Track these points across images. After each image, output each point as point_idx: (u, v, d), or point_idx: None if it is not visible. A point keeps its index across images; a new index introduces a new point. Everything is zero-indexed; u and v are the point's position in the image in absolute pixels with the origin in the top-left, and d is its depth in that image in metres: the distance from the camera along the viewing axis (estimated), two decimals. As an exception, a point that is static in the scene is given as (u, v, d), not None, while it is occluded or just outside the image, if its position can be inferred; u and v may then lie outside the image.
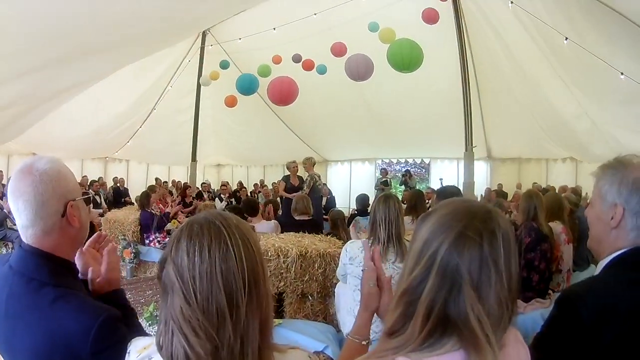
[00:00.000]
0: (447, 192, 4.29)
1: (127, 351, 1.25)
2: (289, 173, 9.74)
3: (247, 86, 9.56)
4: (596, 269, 1.71)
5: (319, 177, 9.74)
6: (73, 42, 6.63)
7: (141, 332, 1.61)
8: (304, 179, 9.44)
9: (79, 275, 1.74)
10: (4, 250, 7.79)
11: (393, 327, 1.16)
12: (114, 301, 1.72)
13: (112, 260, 1.79)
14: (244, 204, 6.63)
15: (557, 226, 4.72)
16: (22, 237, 1.58)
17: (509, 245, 1.11)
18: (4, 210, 8.19)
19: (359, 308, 1.62)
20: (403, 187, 16.06)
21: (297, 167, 9.55)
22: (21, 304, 1.49)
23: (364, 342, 1.56)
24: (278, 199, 9.83)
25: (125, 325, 1.59)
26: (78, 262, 1.72)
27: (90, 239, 1.87)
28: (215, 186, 17.56)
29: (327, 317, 4.91)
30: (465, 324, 1.04)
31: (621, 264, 1.60)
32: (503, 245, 1.09)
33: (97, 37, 6.85)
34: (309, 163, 9.64)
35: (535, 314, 4.14)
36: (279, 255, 4.82)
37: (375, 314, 1.60)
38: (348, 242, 3.81)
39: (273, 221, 6.38)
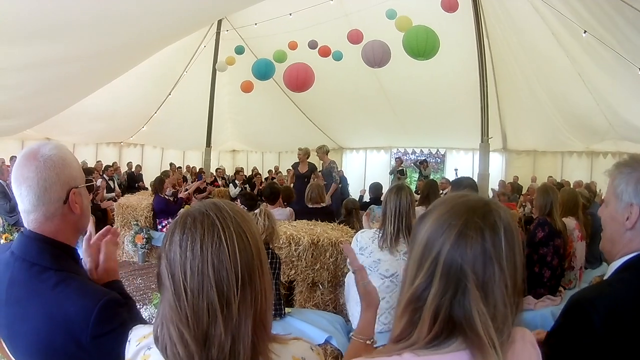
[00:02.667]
0: (463, 184, 4.25)
1: (128, 339, 1.25)
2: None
3: (263, 71, 9.52)
4: (608, 271, 1.66)
5: (335, 164, 9.59)
6: (96, 36, 6.65)
7: (140, 320, 1.61)
8: (315, 167, 9.34)
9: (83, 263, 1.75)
10: (17, 235, 7.85)
11: (400, 335, 1.14)
12: (115, 290, 1.73)
13: (108, 251, 1.81)
14: (266, 189, 6.52)
15: (570, 222, 4.65)
16: (23, 222, 1.59)
17: (512, 236, 1.09)
18: None
19: (361, 307, 1.59)
20: (417, 175, 15.98)
21: (307, 154, 9.35)
22: (23, 289, 1.50)
23: (368, 342, 1.55)
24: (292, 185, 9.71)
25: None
26: (85, 254, 1.76)
27: (99, 232, 1.88)
28: (229, 172, 17.59)
29: (337, 306, 4.91)
30: (470, 326, 1.03)
31: (634, 267, 1.55)
32: (505, 237, 1.07)
33: (117, 33, 6.86)
34: (322, 151, 9.51)
35: (545, 311, 4.10)
36: (290, 243, 4.83)
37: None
38: (359, 232, 3.77)
39: (288, 208, 6.33)
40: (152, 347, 1.13)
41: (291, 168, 9.98)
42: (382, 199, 3.61)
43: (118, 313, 1.48)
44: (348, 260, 3.72)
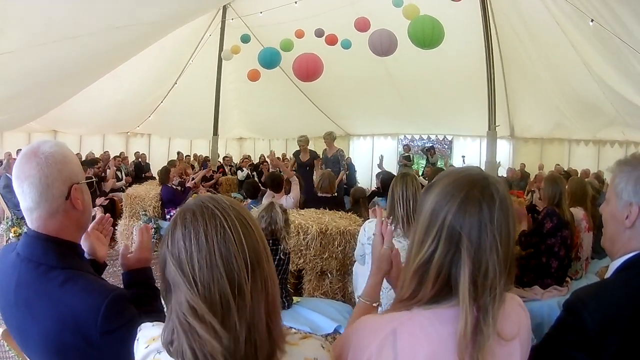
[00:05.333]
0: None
1: (137, 337, 1.25)
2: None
3: (268, 60, 9.46)
4: (609, 270, 1.67)
5: (343, 152, 9.51)
6: (97, 23, 6.64)
7: (161, 316, 1.60)
8: (317, 155, 9.28)
9: (85, 255, 1.78)
10: (24, 229, 7.88)
11: (411, 295, 1.27)
12: (140, 278, 1.79)
13: (142, 240, 1.85)
14: (268, 178, 6.50)
15: (578, 212, 4.64)
16: (27, 221, 1.62)
17: (506, 209, 1.20)
18: None
19: (371, 271, 1.63)
20: (424, 162, 15.93)
21: (308, 142, 9.29)
22: (30, 290, 1.51)
23: (374, 304, 1.59)
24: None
25: (146, 305, 1.65)
26: (84, 244, 1.77)
27: (94, 220, 1.92)
28: (237, 160, 17.59)
29: (346, 295, 4.93)
30: (456, 286, 1.18)
31: (632, 267, 1.56)
32: (501, 209, 1.19)
33: (120, 18, 6.84)
34: (330, 138, 9.39)
35: (552, 301, 4.09)
36: (299, 232, 4.84)
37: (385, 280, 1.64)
38: (366, 222, 3.79)
39: (293, 196, 6.32)
40: (161, 351, 1.12)
41: (293, 156, 9.95)
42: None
43: (126, 308, 1.50)
44: (356, 249, 3.75)
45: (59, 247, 1.56)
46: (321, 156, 9.41)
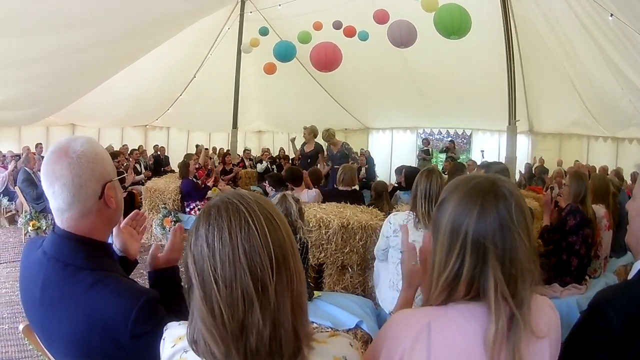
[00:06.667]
0: (492, 169, 4.24)
1: (163, 337, 1.25)
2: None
3: (283, 53, 9.47)
4: (632, 269, 1.62)
5: (349, 146, 8.89)
6: (117, 18, 6.67)
7: (188, 315, 1.62)
8: (321, 147, 8.92)
9: (117, 252, 1.76)
10: (44, 222, 7.94)
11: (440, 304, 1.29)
12: (167, 277, 1.76)
13: (175, 241, 1.81)
14: (287, 173, 6.48)
15: (600, 210, 4.58)
16: (56, 221, 1.57)
17: (520, 204, 1.25)
18: None
19: (402, 286, 1.64)
20: (444, 155, 15.86)
21: (312, 132, 8.85)
22: (57, 290, 1.48)
23: None
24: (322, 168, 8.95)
25: (174, 304, 1.61)
26: (116, 240, 1.75)
27: (128, 216, 1.89)
28: (255, 153, 17.61)
29: (366, 289, 4.91)
30: (484, 291, 1.20)
31: None
32: (516, 205, 1.23)
33: (141, 12, 6.87)
34: (327, 134, 8.74)
35: (571, 299, 4.06)
36: (320, 226, 4.81)
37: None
38: (391, 214, 3.79)
39: (314, 190, 6.30)
40: (188, 350, 1.11)
41: (294, 144, 9.91)
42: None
43: (157, 311, 1.47)
44: (377, 243, 3.74)
45: (88, 248, 1.53)
46: (326, 152, 8.95)
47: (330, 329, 3.51)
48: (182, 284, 1.55)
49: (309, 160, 8.58)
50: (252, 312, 1.01)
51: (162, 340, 1.24)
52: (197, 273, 1.04)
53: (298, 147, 10.49)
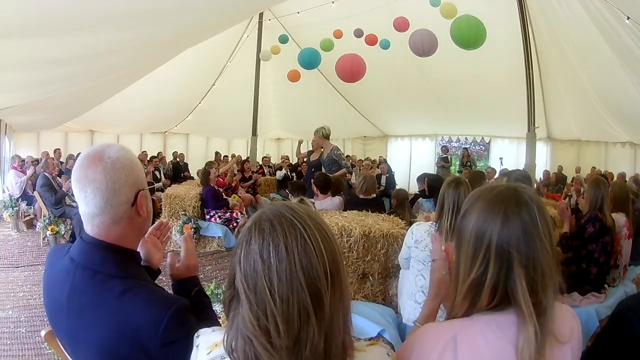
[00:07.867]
0: (513, 177, 4.23)
1: (196, 344, 1.23)
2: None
3: (308, 60, 9.53)
4: None
5: (339, 151, 8.15)
6: (141, 27, 6.73)
7: (214, 322, 1.61)
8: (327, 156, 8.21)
9: (142, 262, 1.74)
10: (62, 227, 8.01)
11: (464, 314, 1.31)
12: (191, 287, 1.75)
13: (189, 247, 1.82)
14: (319, 179, 6.30)
15: (620, 218, 4.50)
16: (86, 226, 1.55)
17: (542, 210, 1.27)
18: (63, 188, 8.44)
19: (428, 296, 1.62)
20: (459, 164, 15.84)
21: (317, 142, 8.45)
22: (85, 298, 1.47)
23: None
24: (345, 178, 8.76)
25: (201, 313, 1.61)
26: (141, 249, 1.73)
27: (152, 226, 1.87)
28: (274, 160, 17.65)
29: (387, 298, 4.91)
30: (514, 298, 1.22)
31: None
32: (538, 211, 1.26)
33: (163, 25, 6.93)
34: (318, 135, 8.34)
35: (590, 308, 4.01)
36: (342, 235, 4.79)
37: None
38: (414, 224, 3.75)
39: (337, 198, 6.29)
40: (225, 357, 1.10)
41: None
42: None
43: (187, 319, 1.46)
44: (401, 252, 3.73)
45: (118, 256, 1.52)
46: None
47: (369, 339, 3.53)
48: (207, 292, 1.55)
49: (312, 170, 8.14)
50: (308, 326, 1.01)
51: (195, 347, 1.22)
52: (248, 288, 1.03)
53: (302, 150, 10.53)
